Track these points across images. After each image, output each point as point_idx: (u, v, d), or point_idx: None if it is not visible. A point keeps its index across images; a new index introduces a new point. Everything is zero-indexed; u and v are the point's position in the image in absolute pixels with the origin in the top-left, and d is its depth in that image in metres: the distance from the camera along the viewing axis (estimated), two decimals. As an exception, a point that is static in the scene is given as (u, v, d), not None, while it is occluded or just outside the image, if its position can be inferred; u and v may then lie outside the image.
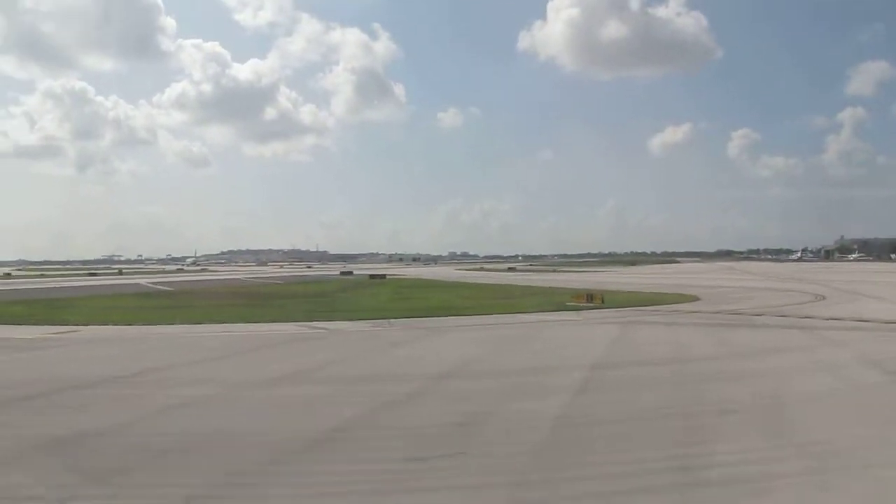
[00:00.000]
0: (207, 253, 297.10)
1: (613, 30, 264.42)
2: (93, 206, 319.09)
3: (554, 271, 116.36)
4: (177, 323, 30.76)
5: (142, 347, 23.20)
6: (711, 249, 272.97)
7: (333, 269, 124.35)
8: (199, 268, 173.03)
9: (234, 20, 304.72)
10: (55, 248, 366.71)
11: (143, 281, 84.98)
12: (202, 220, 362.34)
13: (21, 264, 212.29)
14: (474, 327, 29.40)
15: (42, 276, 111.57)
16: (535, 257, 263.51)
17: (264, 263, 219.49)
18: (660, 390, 14.66)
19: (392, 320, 31.44)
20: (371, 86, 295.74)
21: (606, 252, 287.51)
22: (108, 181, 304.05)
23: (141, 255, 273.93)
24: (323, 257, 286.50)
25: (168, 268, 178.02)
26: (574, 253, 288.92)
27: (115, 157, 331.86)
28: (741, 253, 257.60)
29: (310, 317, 33.16)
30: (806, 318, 30.96)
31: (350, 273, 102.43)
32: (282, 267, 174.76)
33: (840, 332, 25.14)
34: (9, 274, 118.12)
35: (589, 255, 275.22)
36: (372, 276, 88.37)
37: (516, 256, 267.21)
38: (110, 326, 29.43)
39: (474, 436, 10.85)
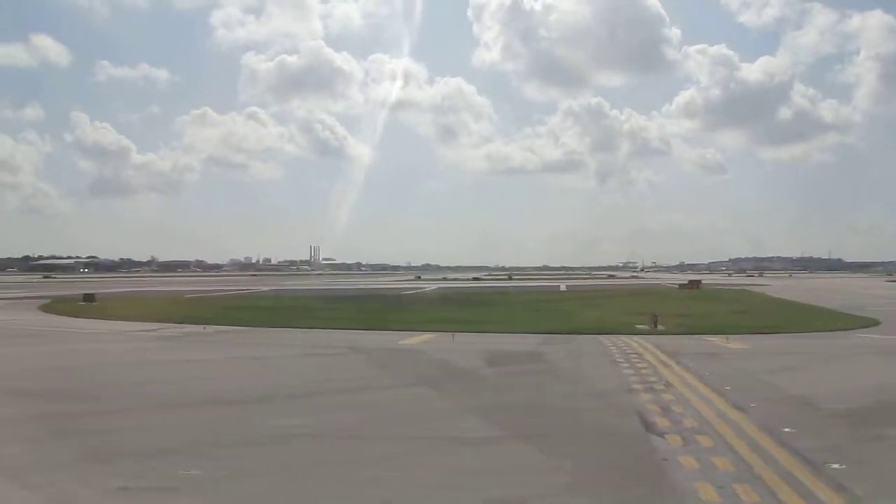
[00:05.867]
0: (715, 260, 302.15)
1: None
2: (612, 215, 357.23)
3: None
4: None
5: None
6: None
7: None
8: (628, 274, 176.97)
9: (738, 22, 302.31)
10: (578, 255, 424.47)
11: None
12: (716, 226, 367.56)
13: (543, 270, 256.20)
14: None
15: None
16: None
17: (742, 272, 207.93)
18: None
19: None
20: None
21: None
22: (626, 191, 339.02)
23: (654, 262, 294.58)
24: (835, 265, 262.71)
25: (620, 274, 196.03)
26: None
27: (631, 167, 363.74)
28: None
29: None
30: None
31: (697, 283, 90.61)
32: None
33: None
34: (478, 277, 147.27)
35: None
36: (681, 286, 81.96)
37: None
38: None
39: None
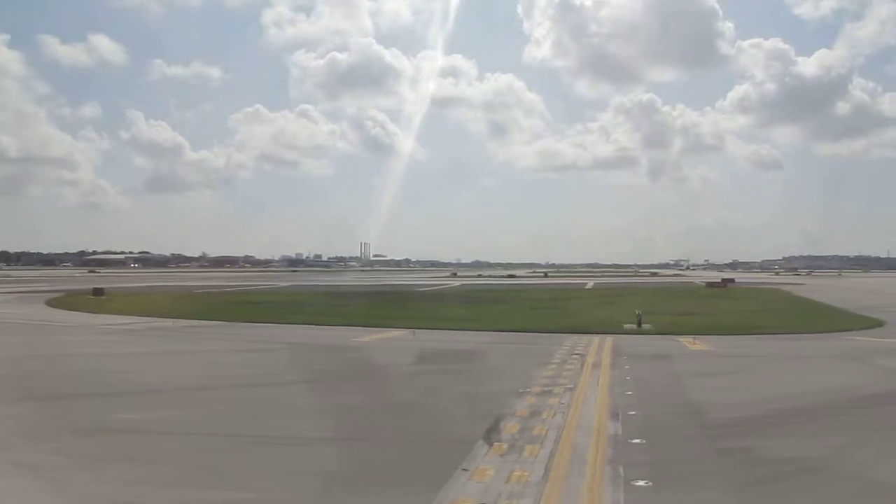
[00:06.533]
0: (768, 258, 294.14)
1: None
2: (664, 212, 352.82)
3: None
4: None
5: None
6: None
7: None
8: (671, 272, 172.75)
9: (794, 15, 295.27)
10: (630, 253, 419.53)
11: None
12: (771, 223, 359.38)
13: (593, 267, 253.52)
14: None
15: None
16: None
17: (793, 270, 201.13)
18: None
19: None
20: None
21: None
22: (679, 188, 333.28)
23: (707, 260, 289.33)
24: (894, 264, 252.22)
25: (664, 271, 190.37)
26: None
27: (684, 164, 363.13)
28: None
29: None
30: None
31: (728, 281, 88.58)
32: None
33: None
34: (513, 275, 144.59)
35: None
36: (707, 285, 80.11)
37: None
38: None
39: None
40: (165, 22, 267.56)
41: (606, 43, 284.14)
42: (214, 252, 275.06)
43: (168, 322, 29.44)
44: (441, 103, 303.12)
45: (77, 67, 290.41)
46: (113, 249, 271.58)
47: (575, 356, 19.50)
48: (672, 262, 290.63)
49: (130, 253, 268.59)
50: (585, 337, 24.80)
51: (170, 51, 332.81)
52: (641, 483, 7.90)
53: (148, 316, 32.46)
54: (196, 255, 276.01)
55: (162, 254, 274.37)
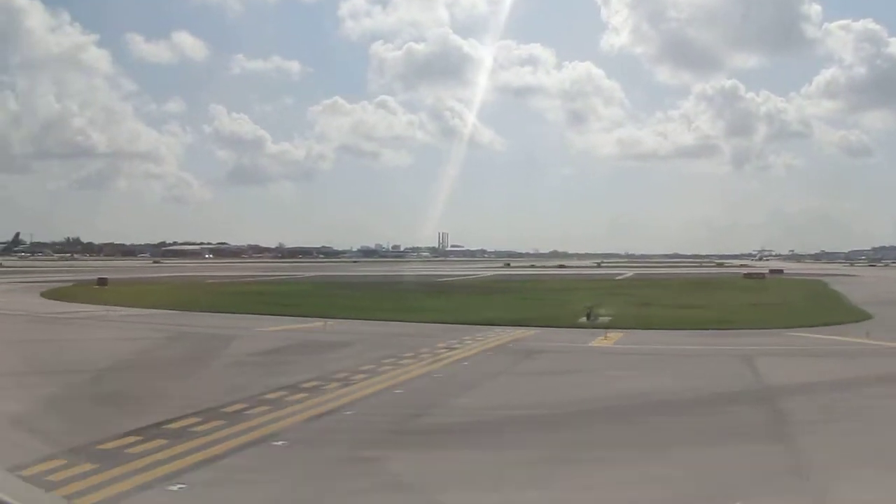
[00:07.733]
0: (856, 248, 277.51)
1: None
2: (748, 202, 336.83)
3: None
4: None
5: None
6: None
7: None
8: (738, 263, 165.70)
9: None
10: (713, 242, 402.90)
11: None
12: (861, 213, 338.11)
13: (673, 258, 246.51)
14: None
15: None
16: None
17: (875, 262, 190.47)
18: None
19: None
20: None
21: None
22: (763, 176, 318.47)
23: (793, 250, 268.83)
24: None
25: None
26: None
27: (768, 151, 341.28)
28: None
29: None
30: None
31: (769, 272, 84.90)
32: None
33: None
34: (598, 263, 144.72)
35: None
36: (745, 276, 76.10)
37: None
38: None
39: None
40: (244, 18, 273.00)
41: (686, 29, 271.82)
42: (292, 242, 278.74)
43: (121, 310, 30.32)
44: (519, 92, 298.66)
45: (161, 64, 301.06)
46: (194, 240, 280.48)
47: (449, 350, 18.70)
48: (755, 252, 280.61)
49: (208, 244, 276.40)
50: (513, 330, 24.08)
51: (249, 46, 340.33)
52: (175, 487, 7.27)
53: (110, 305, 33.27)
54: (272, 246, 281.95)
55: (239, 245, 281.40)
